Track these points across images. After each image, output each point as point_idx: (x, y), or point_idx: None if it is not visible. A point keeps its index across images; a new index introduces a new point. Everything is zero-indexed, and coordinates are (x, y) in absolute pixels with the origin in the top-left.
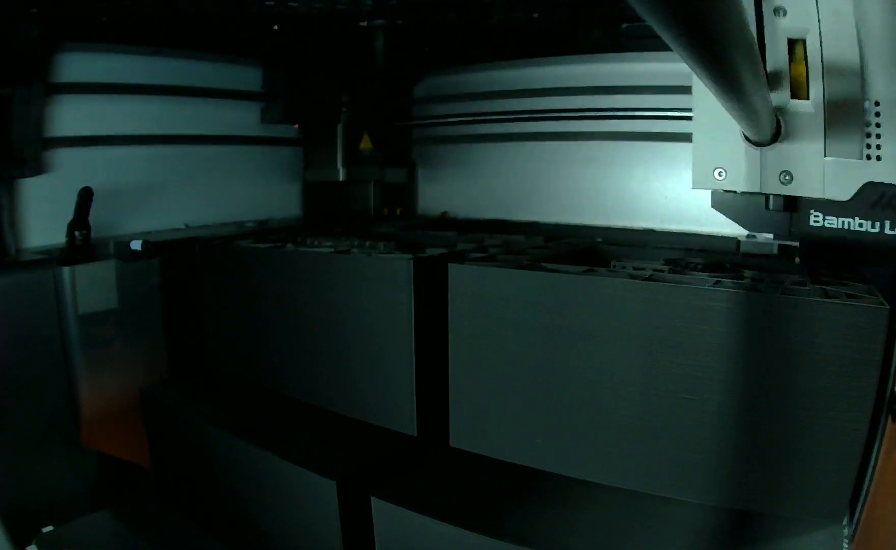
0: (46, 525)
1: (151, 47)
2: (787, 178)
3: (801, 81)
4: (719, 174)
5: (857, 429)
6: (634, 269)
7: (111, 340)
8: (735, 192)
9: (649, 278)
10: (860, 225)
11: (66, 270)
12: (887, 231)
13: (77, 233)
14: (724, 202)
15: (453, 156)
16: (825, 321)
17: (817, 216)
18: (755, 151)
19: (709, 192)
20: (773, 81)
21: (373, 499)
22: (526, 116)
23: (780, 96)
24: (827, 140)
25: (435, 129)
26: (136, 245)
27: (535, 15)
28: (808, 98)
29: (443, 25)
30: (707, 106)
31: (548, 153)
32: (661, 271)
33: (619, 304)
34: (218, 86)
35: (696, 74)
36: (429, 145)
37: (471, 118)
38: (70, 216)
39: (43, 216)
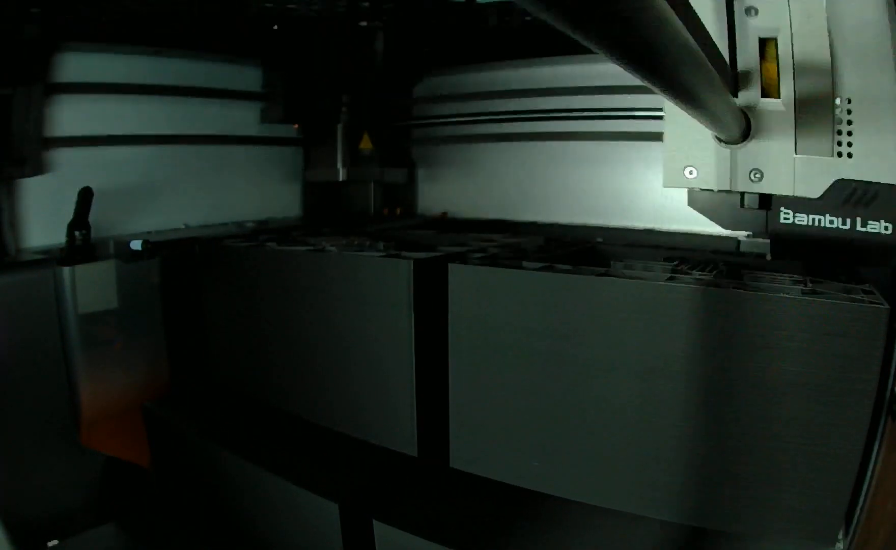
0: (49, 532)
1: (151, 47)
2: (758, 175)
3: (771, 79)
4: (690, 173)
5: (853, 445)
6: (634, 269)
7: (111, 340)
8: (711, 190)
9: (647, 279)
10: (831, 222)
11: (66, 270)
12: (858, 228)
13: (77, 233)
14: (700, 200)
15: (453, 156)
16: (825, 322)
17: (787, 213)
18: (725, 150)
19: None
20: (744, 80)
21: (375, 523)
22: (525, 116)
23: (751, 95)
24: (797, 137)
25: (435, 129)
26: (136, 245)
27: (528, 18)
28: (778, 96)
29: (441, 28)
30: (677, 107)
31: (548, 153)
32: (664, 272)
33: (621, 304)
34: (218, 86)
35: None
36: (429, 145)
37: (471, 118)
38: (70, 216)
39: (43, 216)
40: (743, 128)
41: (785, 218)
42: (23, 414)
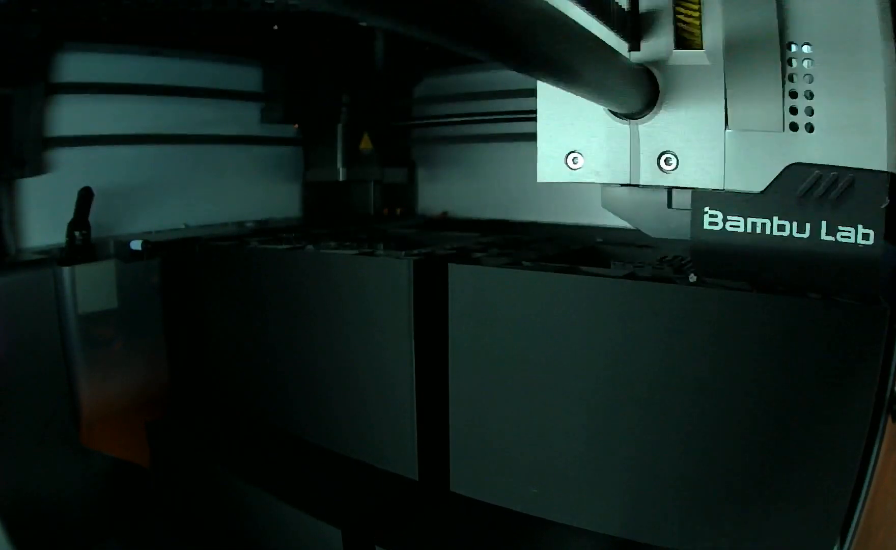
0: (49, 533)
1: (151, 47)
2: (671, 161)
3: (691, 22)
4: (574, 161)
5: (853, 447)
6: (634, 270)
7: (111, 340)
8: (632, 185)
9: (648, 280)
10: (781, 228)
11: (66, 270)
12: (823, 236)
13: (77, 233)
14: (617, 199)
15: (453, 156)
16: (825, 322)
17: (714, 216)
18: (623, 127)
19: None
20: (649, 23)
21: (377, 549)
22: (525, 116)
23: (659, 46)
24: (729, 105)
25: (435, 129)
26: (136, 245)
27: None
28: (701, 46)
29: None
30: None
31: None
32: (665, 273)
33: (622, 306)
34: (218, 86)
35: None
36: (429, 145)
37: (471, 118)
38: (70, 216)
39: (43, 216)
40: (648, 94)
41: (711, 223)
42: (23, 414)
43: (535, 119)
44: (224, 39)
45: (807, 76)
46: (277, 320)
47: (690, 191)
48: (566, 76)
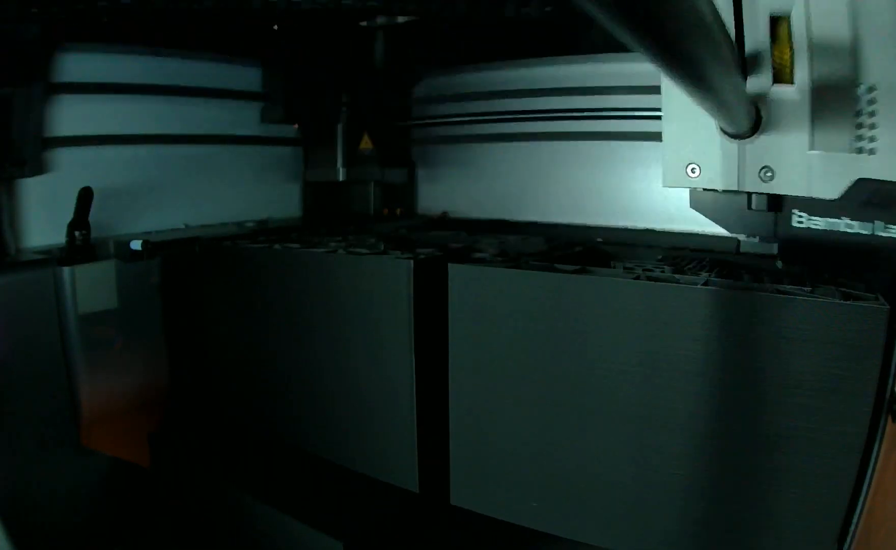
0: (49, 534)
1: (151, 47)
2: (769, 174)
3: (784, 63)
4: (692, 171)
5: (853, 447)
6: (635, 270)
7: (111, 340)
8: (716, 190)
9: (649, 280)
10: (849, 226)
11: (66, 270)
12: (879, 233)
13: (77, 233)
14: (704, 202)
15: (453, 156)
16: (825, 322)
17: (801, 217)
18: (732, 145)
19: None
20: (752, 64)
21: None
22: (526, 116)
23: (761, 81)
24: (814, 131)
25: (435, 129)
26: (136, 245)
27: (548, 8)
28: (792, 83)
29: (451, 19)
30: (678, 96)
31: (548, 153)
32: (666, 273)
33: (623, 306)
34: (218, 86)
35: (652, 64)
36: (429, 145)
37: (471, 118)
38: (70, 216)
39: (43, 216)
40: (753, 119)
41: (798, 222)
42: (23, 414)
43: (535, 119)
44: (224, 39)
45: (870, 111)
46: (276, 322)
47: (767, 197)
48: (702, 84)
